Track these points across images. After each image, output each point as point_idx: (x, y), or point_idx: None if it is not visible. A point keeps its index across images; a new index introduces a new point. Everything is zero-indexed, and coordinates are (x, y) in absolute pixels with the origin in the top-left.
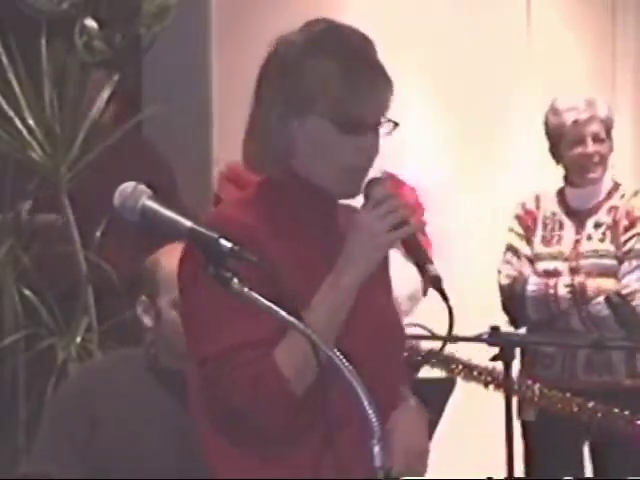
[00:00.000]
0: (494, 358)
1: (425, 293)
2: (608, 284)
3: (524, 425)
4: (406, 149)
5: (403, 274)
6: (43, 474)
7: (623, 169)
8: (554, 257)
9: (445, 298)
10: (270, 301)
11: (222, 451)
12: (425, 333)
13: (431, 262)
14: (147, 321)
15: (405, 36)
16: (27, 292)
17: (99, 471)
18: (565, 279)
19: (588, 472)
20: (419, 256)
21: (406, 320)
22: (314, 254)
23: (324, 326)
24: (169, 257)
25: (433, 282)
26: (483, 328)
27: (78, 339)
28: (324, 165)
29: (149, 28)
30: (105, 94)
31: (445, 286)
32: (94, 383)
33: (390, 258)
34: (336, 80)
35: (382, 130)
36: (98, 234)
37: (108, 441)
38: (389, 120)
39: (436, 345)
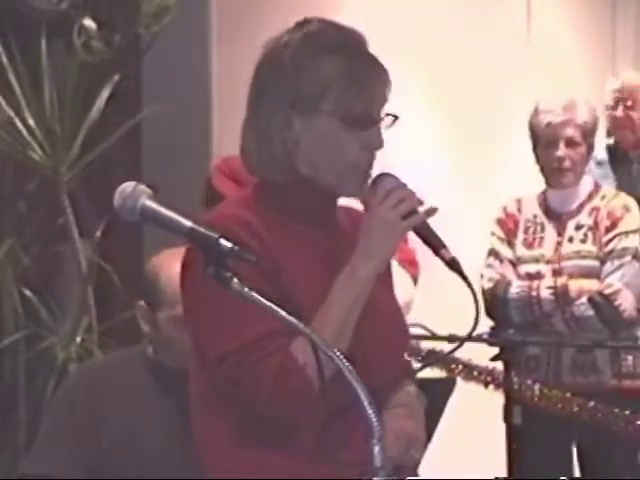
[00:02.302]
0: (494, 358)
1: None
2: (590, 285)
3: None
4: (404, 149)
5: (398, 283)
6: (44, 475)
7: None
8: (536, 260)
9: (465, 279)
10: (270, 300)
11: (225, 449)
12: (425, 333)
13: (445, 246)
14: (145, 327)
15: (404, 36)
16: (27, 292)
17: (100, 471)
18: (547, 281)
19: (577, 474)
20: (433, 242)
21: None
22: (315, 253)
23: (343, 319)
24: (170, 268)
25: (451, 265)
26: (483, 328)
27: (78, 339)
28: (330, 164)
29: (148, 28)
30: (105, 94)
31: (445, 287)
32: (97, 382)
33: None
34: (341, 77)
35: (383, 124)
36: (98, 234)
37: (111, 441)
38: (388, 114)
39: (436, 345)
